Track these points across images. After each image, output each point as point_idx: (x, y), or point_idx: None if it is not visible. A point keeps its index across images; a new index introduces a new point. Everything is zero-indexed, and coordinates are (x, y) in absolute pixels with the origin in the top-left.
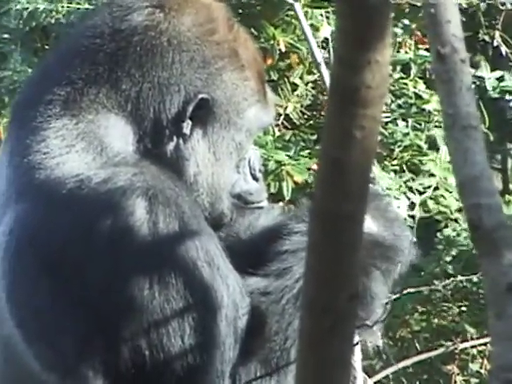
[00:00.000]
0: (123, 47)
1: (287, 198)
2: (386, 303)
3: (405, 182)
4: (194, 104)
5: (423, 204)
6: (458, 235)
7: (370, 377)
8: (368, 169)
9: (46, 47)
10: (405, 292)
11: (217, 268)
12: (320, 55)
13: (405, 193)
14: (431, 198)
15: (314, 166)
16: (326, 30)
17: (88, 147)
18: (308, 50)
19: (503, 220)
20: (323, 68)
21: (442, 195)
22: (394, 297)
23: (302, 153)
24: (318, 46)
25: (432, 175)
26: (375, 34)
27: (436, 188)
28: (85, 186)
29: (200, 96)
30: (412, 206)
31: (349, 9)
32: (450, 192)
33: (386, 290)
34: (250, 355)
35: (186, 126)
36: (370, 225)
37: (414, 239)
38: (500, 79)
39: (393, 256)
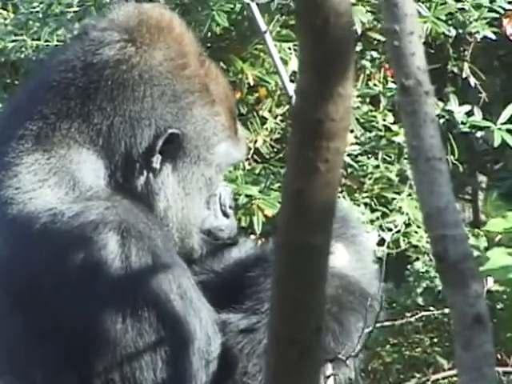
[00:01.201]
0: (95, 81)
1: (258, 232)
2: (360, 336)
3: (377, 218)
4: (163, 138)
5: (394, 241)
6: (428, 270)
7: None
8: (332, 201)
9: (16, 82)
10: (378, 325)
11: (189, 301)
12: (292, 88)
13: (376, 229)
14: (403, 235)
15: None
16: (295, 64)
17: (60, 182)
18: (276, 83)
19: (469, 251)
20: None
21: (415, 231)
22: (368, 330)
23: (272, 186)
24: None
25: (403, 213)
26: (337, 66)
27: (408, 224)
28: (57, 220)
29: (170, 131)
30: (382, 241)
31: (311, 42)
32: (419, 227)
33: (358, 322)
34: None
35: (156, 161)
36: (341, 256)
37: (383, 274)
38: (469, 113)
39: (362, 289)
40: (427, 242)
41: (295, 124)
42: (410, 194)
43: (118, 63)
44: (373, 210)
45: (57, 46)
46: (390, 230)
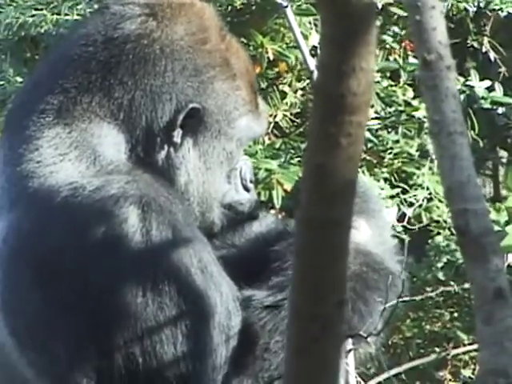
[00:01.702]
0: (116, 55)
1: (278, 206)
2: (382, 314)
3: (397, 194)
4: (184, 113)
5: (417, 216)
6: (448, 244)
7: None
8: (354, 175)
9: (36, 57)
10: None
11: (210, 275)
12: (313, 62)
13: (397, 204)
14: (425, 210)
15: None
16: (315, 38)
17: (81, 156)
18: (296, 57)
19: (490, 225)
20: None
21: (436, 205)
22: (390, 308)
23: (291, 161)
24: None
25: (424, 188)
26: (359, 40)
27: (429, 199)
28: (78, 194)
29: (191, 105)
30: (403, 216)
31: (333, 16)
32: (441, 202)
33: (381, 300)
34: (242, 369)
35: (177, 135)
36: (364, 231)
37: (406, 250)
38: (490, 89)
39: (386, 266)
40: (449, 217)
41: (317, 98)
42: (430, 169)
43: (139, 37)
44: (393, 186)
45: (77, 20)
46: (411, 204)
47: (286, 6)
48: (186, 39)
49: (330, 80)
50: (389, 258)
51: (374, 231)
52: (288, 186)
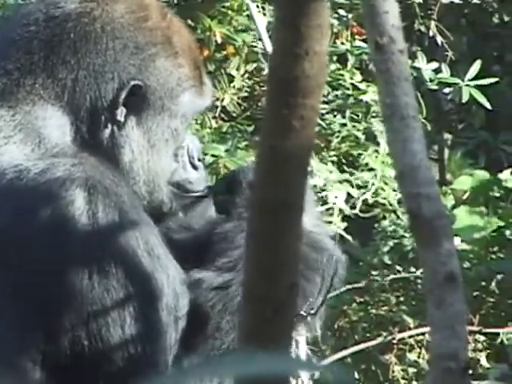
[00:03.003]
0: (58, 34)
1: None
2: (320, 295)
3: (344, 179)
4: (126, 90)
5: (364, 200)
6: (396, 230)
7: None
8: (307, 158)
9: None
10: (345, 287)
11: (157, 257)
12: (269, 44)
13: (341, 183)
14: (372, 193)
15: (251, 159)
16: (263, 22)
17: (26, 138)
18: (244, 41)
19: (442, 209)
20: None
21: (382, 188)
22: (336, 293)
23: (239, 145)
24: (256, 38)
25: (371, 169)
26: (313, 23)
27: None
28: (24, 177)
29: (132, 82)
30: (349, 198)
31: None
32: (386, 184)
33: (322, 280)
34: (192, 349)
35: (120, 113)
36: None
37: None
38: (437, 71)
39: (325, 247)
40: (395, 200)
41: (271, 81)
42: (376, 151)
43: (79, 16)
44: (341, 170)
45: (23, 2)
46: (359, 187)
47: None
48: (126, 17)
49: (284, 63)
50: (328, 240)
51: (310, 216)
52: None
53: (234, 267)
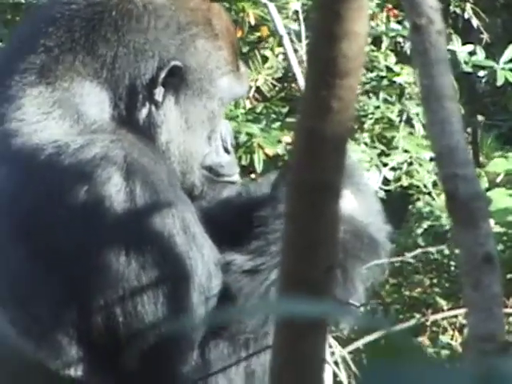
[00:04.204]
0: (99, 12)
1: (259, 171)
2: (364, 284)
3: (378, 155)
4: (166, 70)
5: (397, 179)
6: (431, 211)
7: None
8: (345, 140)
9: (17, 19)
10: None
11: (192, 236)
12: (283, 28)
13: (377, 165)
14: (405, 174)
15: (285, 138)
16: (296, 3)
17: (65, 114)
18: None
19: (480, 190)
20: (286, 41)
21: (416, 169)
22: (373, 278)
23: (273, 125)
24: (288, 18)
25: (405, 151)
26: (352, 4)
27: (409, 163)
28: (62, 152)
29: (173, 63)
30: (384, 179)
31: None
32: (421, 166)
33: (363, 269)
34: (218, 331)
35: (159, 93)
36: (349, 201)
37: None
38: (471, 53)
39: (370, 236)
40: (429, 182)
41: (309, 62)
42: (411, 134)
43: None
44: (374, 150)
45: None
46: (393, 169)
47: None
48: None
49: (323, 43)
50: (374, 227)
51: (359, 202)
52: (269, 150)
53: (268, 252)
